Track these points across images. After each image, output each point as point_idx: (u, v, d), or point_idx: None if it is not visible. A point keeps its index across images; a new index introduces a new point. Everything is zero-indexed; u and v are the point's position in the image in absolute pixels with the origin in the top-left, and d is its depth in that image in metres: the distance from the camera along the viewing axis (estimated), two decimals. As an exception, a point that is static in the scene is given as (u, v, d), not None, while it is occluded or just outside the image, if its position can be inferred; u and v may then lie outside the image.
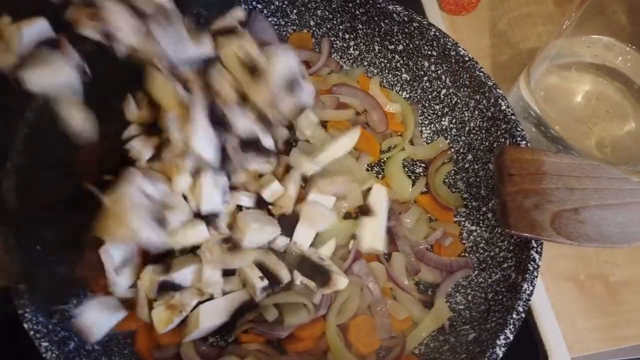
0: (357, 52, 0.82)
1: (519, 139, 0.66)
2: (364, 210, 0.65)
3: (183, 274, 0.59)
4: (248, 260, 0.59)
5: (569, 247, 0.77)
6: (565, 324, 0.72)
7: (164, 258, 0.60)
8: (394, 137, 0.77)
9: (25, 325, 0.49)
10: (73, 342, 0.53)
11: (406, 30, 0.75)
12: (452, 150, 0.76)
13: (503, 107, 0.68)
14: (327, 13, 0.79)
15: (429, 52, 0.75)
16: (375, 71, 0.81)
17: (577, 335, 0.72)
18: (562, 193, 0.62)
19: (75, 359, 0.50)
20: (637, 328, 0.73)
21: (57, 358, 0.48)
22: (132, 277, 0.58)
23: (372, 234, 0.64)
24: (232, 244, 0.59)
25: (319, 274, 0.61)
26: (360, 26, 0.78)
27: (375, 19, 0.76)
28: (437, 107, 0.77)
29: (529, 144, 0.67)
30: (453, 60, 0.72)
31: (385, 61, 0.80)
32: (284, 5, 0.79)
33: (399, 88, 0.81)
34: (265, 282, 0.58)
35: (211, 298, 0.60)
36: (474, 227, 0.71)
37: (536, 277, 0.58)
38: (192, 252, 0.62)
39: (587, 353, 0.71)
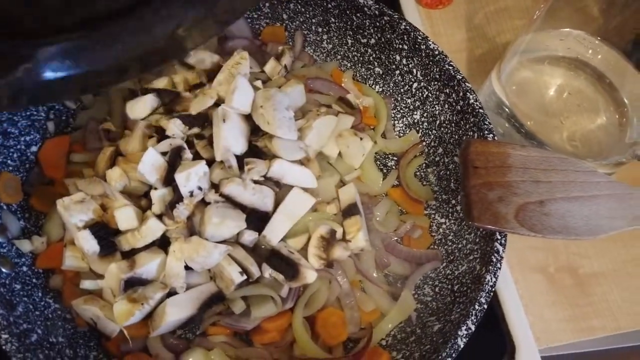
0: (331, 46, 0.82)
1: (486, 132, 0.67)
2: (349, 211, 0.65)
3: (148, 268, 0.59)
4: (214, 254, 0.59)
5: (539, 239, 0.78)
6: (534, 316, 0.73)
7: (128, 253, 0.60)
8: (366, 131, 0.78)
9: (-16, 318, 0.49)
10: (35, 334, 0.53)
11: (377, 24, 0.75)
12: (424, 143, 0.76)
13: (471, 101, 0.68)
14: (299, 6, 0.79)
15: (400, 46, 0.75)
16: (349, 65, 0.82)
17: (545, 326, 0.73)
18: (527, 186, 0.63)
19: (37, 351, 0.50)
20: (605, 319, 0.74)
21: (17, 350, 0.48)
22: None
23: (360, 233, 0.64)
24: (197, 237, 0.59)
25: (288, 267, 0.61)
26: (333, 20, 0.78)
27: (347, 12, 0.76)
28: (409, 100, 0.78)
29: (496, 137, 0.67)
30: (423, 54, 0.73)
31: (358, 55, 0.80)
32: (257, -1, 0.78)
33: (371, 82, 0.81)
34: (244, 276, 0.59)
35: (175, 292, 0.60)
36: (443, 220, 0.71)
37: (499, 268, 0.58)
38: (156, 244, 0.62)
39: (555, 344, 0.72)
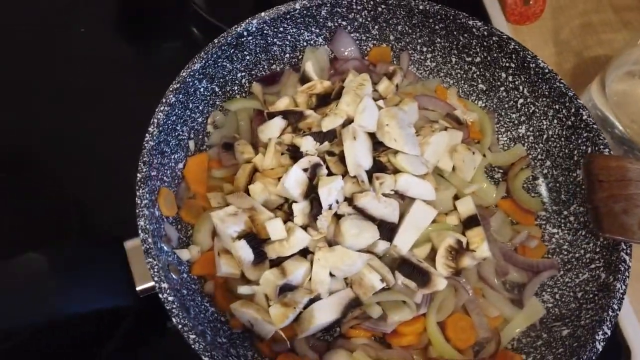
0: (434, 64, 0.86)
1: (601, 147, 0.70)
2: (471, 221, 0.70)
3: (296, 275, 0.64)
4: (357, 263, 0.64)
5: (637, 248, 0.81)
6: (643, 322, 0.76)
7: (277, 261, 0.66)
8: (473, 145, 0.82)
9: (174, 320, 0.55)
10: (208, 335, 0.59)
11: (485, 43, 0.79)
12: (530, 156, 0.80)
13: (584, 117, 0.72)
14: (407, 28, 0.84)
15: (507, 64, 0.79)
16: (451, 82, 0.86)
17: (655, 332, 0.75)
18: (647, 198, 0.66)
19: (216, 351, 0.56)
20: None
21: (205, 349, 0.54)
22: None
23: (484, 244, 0.68)
24: (341, 247, 0.64)
25: (419, 274, 0.66)
26: (439, 40, 0.83)
27: (454, 33, 0.81)
28: (514, 115, 0.82)
29: (611, 152, 0.70)
30: (532, 72, 0.76)
31: (462, 72, 0.84)
32: (367, 22, 0.84)
33: (474, 97, 0.85)
34: (383, 283, 0.63)
35: (318, 297, 0.65)
36: (555, 230, 0.75)
37: (628, 277, 0.62)
38: (299, 254, 0.67)
39: (666, 349, 0.75)
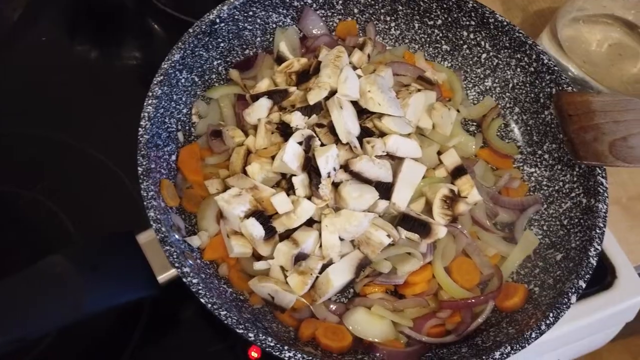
0: (398, 32, 0.90)
1: (564, 85, 0.76)
2: (458, 171, 0.74)
3: (308, 244, 0.67)
4: (364, 223, 0.67)
5: (608, 176, 0.88)
6: (620, 241, 0.83)
7: (285, 234, 0.68)
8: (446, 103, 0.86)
9: (203, 300, 0.56)
10: (233, 312, 0.60)
11: (444, 5, 0.84)
12: (500, 106, 0.86)
13: (546, 61, 0.78)
14: (369, 0, 0.87)
15: (467, 23, 0.84)
16: (417, 47, 0.90)
17: (631, 248, 0.83)
18: (611, 126, 0.73)
19: (244, 324, 0.57)
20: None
21: (237, 322, 0.56)
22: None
23: (474, 189, 0.73)
24: (346, 210, 0.67)
25: (420, 226, 0.70)
26: (401, 7, 0.87)
27: (415, -1, 0.85)
28: (479, 70, 0.87)
29: (574, 89, 0.77)
30: (492, 27, 0.82)
31: (426, 36, 0.89)
32: (331, -2, 0.86)
33: (440, 59, 0.90)
34: (390, 238, 0.67)
35: (330, 262, 0.68)
36: (533, 169, 0.81)
37: (607, 197, 0.68)
38: (305, 224, 0.69)
39: (642, 262, 0.83)
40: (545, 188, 0.78)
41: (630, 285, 0.77)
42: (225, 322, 0.56)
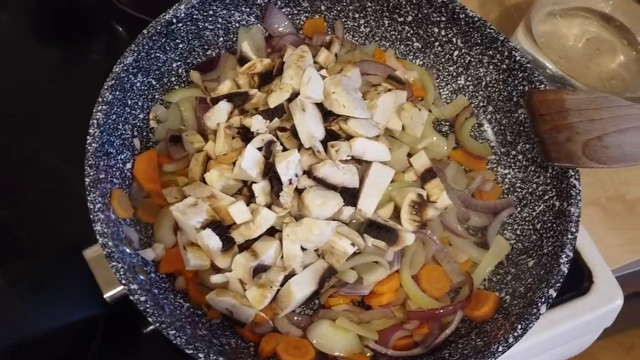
0: (368, 29, 0.87)
1: (537, 83, 0.73)
2: (427, 175, 0.71)
3: (268, 255, 0.63)
4: (326, 232, 0.64)
5: (585, 176, 0.85)
6: (598, 244, 0.80)
7: (245, 245, 0.65)
8: (417, 103, 0.83)
9: (151, 319, 0.53)
10: (188, 329, 0.57)
11: (414, 1, 0.80)
12: (473, 105, 0.82)
13: (518, 58, 0.75)
14: (336, -4, 0.84)
15: (438, 19, 0.81)
16: (388, 44, 0.87)
17: (609, 251, 0.80)
18: (585, 125, 0.70)
19: (194, 343, 0.54)
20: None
21: (187, 342, 0.53)
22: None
23: (443, 193, 0.70)
24: (308, 219, 0.64)
25: (387, 233, 0.67)
26: (369, 4, 0.84)
27: (383, -6, 0.81)
28: (451, 68, 0.84)
29: (547, 87, 0.74)
30: (463, 23, 0.79)
31: (396, 33, 0.86)
32: (296, -5, 0.83)
33: (412, 56, 0.87)
34: (355, 247, 0.64)
35: (293, 273, 0.65)
36: (507, 171, 0.78)
37: (580, 200, 0.65)
38: (267, 234, 0.66)
39: (621, 265, 0.80)
40: (519, 190, 0.75)
41: (608, 290, 0.74)
42: (174, 341, 0.53)
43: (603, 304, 0.74)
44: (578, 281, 0.75)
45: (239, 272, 0.63)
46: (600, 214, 0.84)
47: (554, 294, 0.59)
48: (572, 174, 0.67)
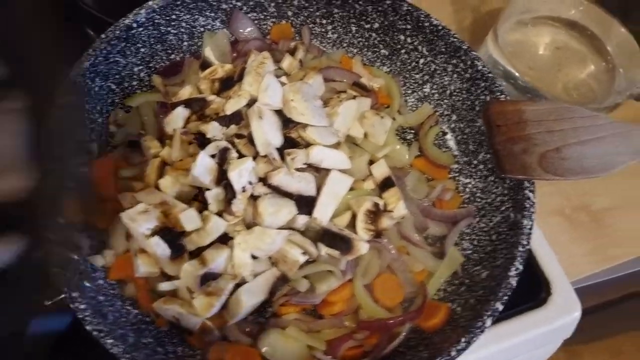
0: (336, 35, 0.86)
1: (498, 93, 0.73)
2: (385, 184, 0.71)
3: (218, 263, 0.63)
4: (277, 241, 0.64)
5: (551, 185, 0.85)
6: (561, 254, 0.80)
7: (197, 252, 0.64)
8: (382, 109, 0.83)
9: (88, 327, 0.53)
10: (130, 337, 0.57)
11: (380, 8, 0.80)
12: (437, 113, 0.82)
13: (480, 67, 0.74)
14: (303, 2, 0.83)
15: (404, 26, 0.80)
16: (355, 51, 0.87)
17: (572, 261, 0.80)
18: (544, 136, 0.70)
19: (138, 352, 0.54)
20: (623, 247, 0.82)
21: (124, 351, 0.52)
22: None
23: (400, 202, 0.69)
24: (260, 227, 0.64)
25: (341, 242, 0.67)
26: (336, 10, 0.83)
27: (350, 1, 0.81)
28: (417, 76, 0.83)
29: (508, 97, 0.73)
30: (427, 31, 0.78)
31: (363, 40, 0.85)
32: (262, 0, 0.83)
33: (379, 63, 0.86)
34: (307, 256, 0.64)
35: (243, 281, 0.65)
36: (468, 180, 0.78)
37: (534, 212, 0.65)
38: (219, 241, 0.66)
39: (583, 276, 0.80)
40: (479, 200, 0.75)
41: (566, 302, 0.74)
42: (111, 350, 0.52)
43: (560, 315, 0.73)
44: (536, 292, 0.75)
45: (187, 280, 0.63)
46: (565, 224, 0.84)
47: (501, 308, 0.59)
48: (528, 185, 0.66)
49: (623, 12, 0.85)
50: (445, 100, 0.81)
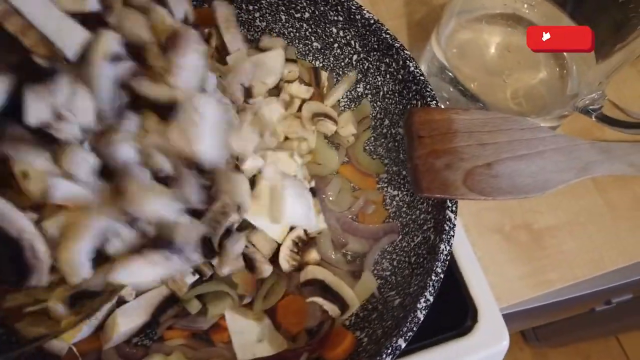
0: (264, 24, 0.78)
1: (429, 99, 0.65)
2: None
3: (95, 283, 0.56)
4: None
5: (492, 201, 0.78)
6: (495, 275, 0.73)
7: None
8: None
9: None
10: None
11: (309, -4, 0.72)
12: (370, 116, 0.75)
13: (411, 69, 0.67)
14: (226, -16, 0.75)
15: (336, 18, 0.72)
16: (286, 42, 0.78)
17: (506, 285, 0.74)
18: (474, 149, 0.62)
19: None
20: (561, 271, 0.75)
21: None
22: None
23: (319, 215, 0.63)
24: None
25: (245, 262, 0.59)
26: (263, -5, 0.75)
27: (277, -14, 0.73)
28: (351, 73, 0.76)
29: (440, 104, 0.66)
30: (359, 24, 0.70)
31: (294, 30, 0.77)
32: (181, -19, 0.74)
33: (311, 57, 0.78)
34: (196, 276, 0.56)
35: (123, 301, 0.57)
36: (396, 192, 0.71)
37: (452, 236, 0.58)
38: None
39: (517, 301, 0.73)
40: (404, 216, 0.68)
41: (492, 331, 0.68)
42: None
43: (485, 346, 0.67)
44: (461, 319, 0.68)
45: (56, 300, 0.55)
46: (503, 243, 0.77)
47: (403, 345, 0.52)
48: (449, 205, 0.59)
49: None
50: (379, 102, 0.74)
